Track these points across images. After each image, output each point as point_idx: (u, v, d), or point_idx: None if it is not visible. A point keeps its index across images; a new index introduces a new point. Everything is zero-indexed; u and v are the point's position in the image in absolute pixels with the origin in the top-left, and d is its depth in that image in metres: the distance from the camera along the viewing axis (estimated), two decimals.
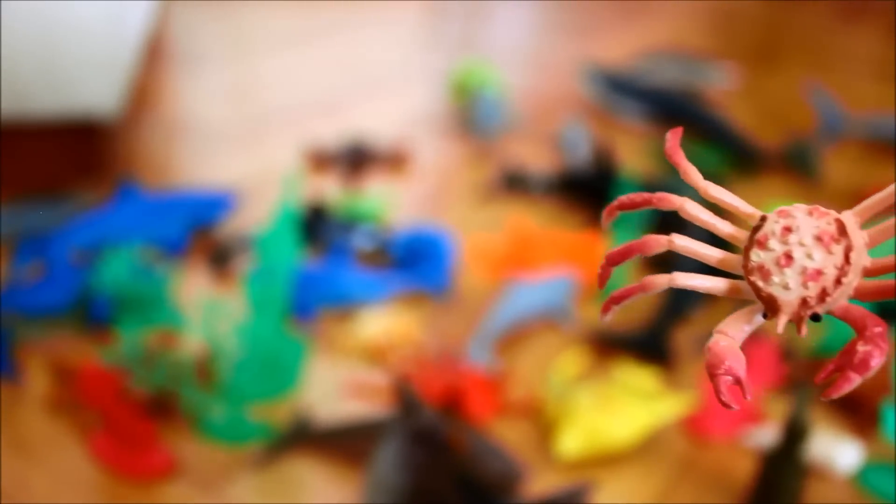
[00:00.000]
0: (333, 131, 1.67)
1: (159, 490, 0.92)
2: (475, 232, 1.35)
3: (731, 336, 0.34)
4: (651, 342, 1.13)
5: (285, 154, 1.59)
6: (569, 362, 1.07)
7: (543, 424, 1.01)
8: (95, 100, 1.38)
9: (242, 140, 1.66)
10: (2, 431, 0.98)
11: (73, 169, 1.43)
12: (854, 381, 0.31)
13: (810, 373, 1.09)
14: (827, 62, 2.22)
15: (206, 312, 1.04)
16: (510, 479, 0.91)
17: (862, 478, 0.95)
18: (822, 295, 0.33)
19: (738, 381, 0.33)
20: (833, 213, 0.35)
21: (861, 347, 0.31)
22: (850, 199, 1.49)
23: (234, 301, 1.11)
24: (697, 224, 0.37)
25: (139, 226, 1.28)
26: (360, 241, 1.30)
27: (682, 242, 0.36)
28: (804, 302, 0.33)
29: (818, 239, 0.34)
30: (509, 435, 0.99)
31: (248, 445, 0.97)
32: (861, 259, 0.34)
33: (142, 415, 0.98)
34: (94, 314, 1.12)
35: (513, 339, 1.15)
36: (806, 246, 0.34)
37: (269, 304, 1.02)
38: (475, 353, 1.09)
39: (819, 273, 0.33)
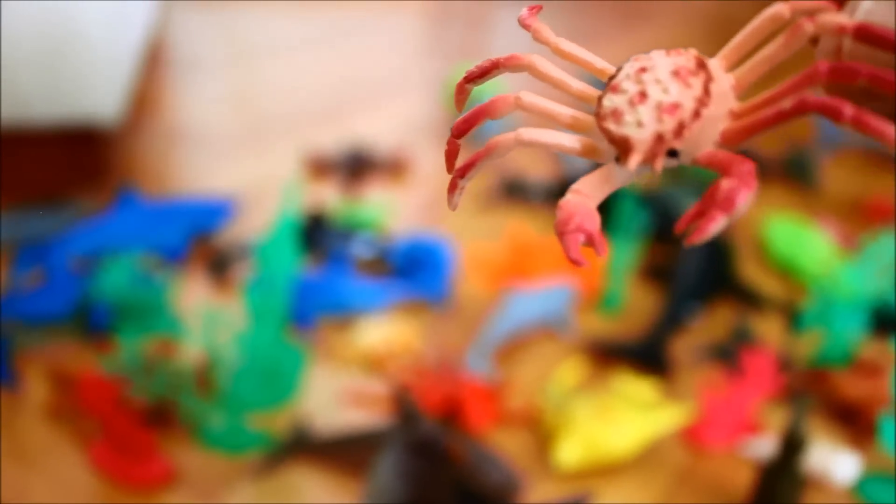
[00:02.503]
0: (333, 138, 1.67)
1: (158, 498, 0.92)
2: (474, 240, 1.35)
3: (585, 194, 0.31)
4: (649, 352, 1.13)
5: (285, 161, 1.59)
6: (567, 372, 1.07)
7: (542, 434, 1.01)
8: (95, 107, 1.38)
9: (242, 147, 1.66)
10: (1, 439, 0.98)
11: (73, 176, 1.43)
12: (719, 221, 0.27)
13: (808, 383, 1.10)
14: None
15: (206, 321, 1.04)
16: (509, 489, 0.92)
17: (860, 489, 0.96)
18: (679, 128, 0.30)
19: (589, 239, 0.29)
20: (692, 51, 0.32)
21: (726, 184, 0.27)
22: (849, 208, 1.50)
23: (233, 309, 1.12)
24: (548, 83, 0.34)
25: (139, 233, 1.29)
26: (360, 250, 1.30)
27: (529, 99, 0.33)
28: (659, 137, 0.30)
29: (675, 74, 0.31)
30: (508, 444, 1.00)
31: (247, 454, 0.97)
32: (727, 100, 0.31)
33: (141, 423, 0.98)
34: (93, 322, 1.13)
35: (512, 348, 1.15)
36: (662, 82, 0.31)
37: (268, 313, 1.02)
38: (474, 362, 1.10)
39: (675, 106, 0.30)
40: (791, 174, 1.63)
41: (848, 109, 0.28)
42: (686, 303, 1.22)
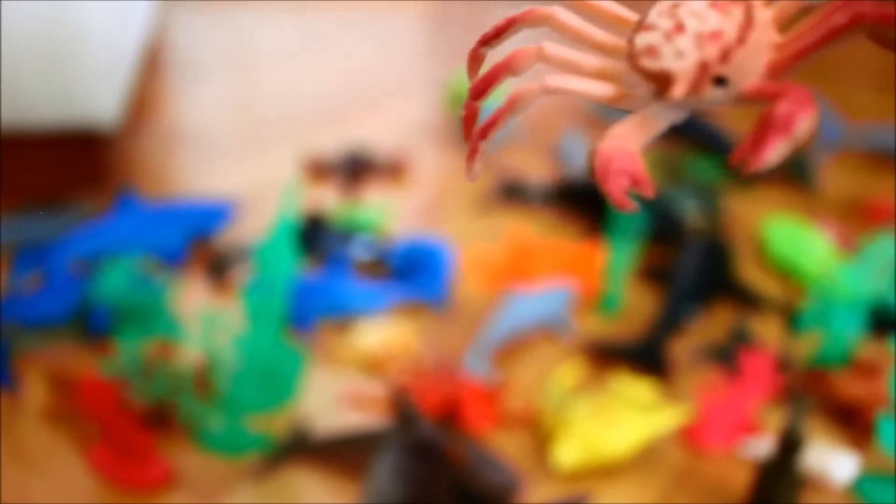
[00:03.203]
0: (332, 141, 1.68)
1: (158, 501, 0.92)
2: (473, 242, 1.35)
3: (622, 138, 0.28)
4: (648, 353, 1.13)
5: (284, 164, 1.60)
6: (566, 373, 1.07)
7: (541, 435, 1.01)
8: (95, 109, 1.39)
9: (241, 150, 1.67)
10: (1, 442, 0.98)
11: (72, 179, 1.44)
12: (778, 145, 0.24)
13: (807, 383, 1.10)
14: (825, 72, 2.23)
15: (205, 323, 1.04)
16: (507, 491, 0.92)
17: (858, 489, 0.96)
18: (724, 54, 0.27)
19: (634, 180, 0.27)
20: None
21: (782, 107, 0.25)
22: (848, 209, 1.50)
23: (232, 312, 1.12)
24: (571, 36, 0.31)
25: (138, 236, 1.29)
26: (359, 252, 1.30)
27: (552, 49, 0.30)
28: (703, 64, 0.27)
29: (712, 5, 0.29)
30: (507, 446, 1.00)
31: (246, 456, 0.97)
32: (769, 31, 0.29)
33: (140, 426, 0.98)
34: (92, 325, 1.13)
35: (510, 349, 1.15)
36: (698, 13, 0.28)
37: (267, 315, 1.03)
38: (473, 363, 1.10)
39: (717, 34, 0.28)
40: (790, 175, 1.63)
41: None
42: (685, 304, 1.22)
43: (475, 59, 0.33)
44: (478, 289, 1.26)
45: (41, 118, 1.37)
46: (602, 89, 0.30)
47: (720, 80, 0.28)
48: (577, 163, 1.59)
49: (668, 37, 0.28)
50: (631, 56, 0.29)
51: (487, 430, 1.01)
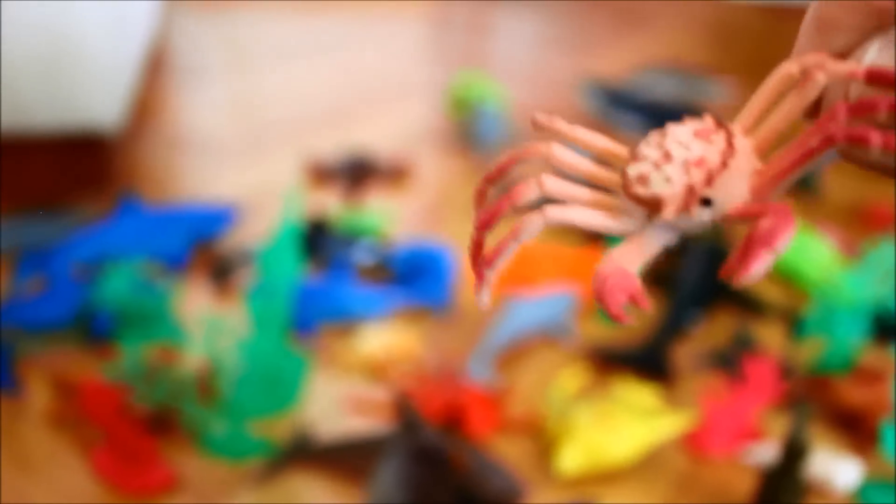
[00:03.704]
0: (334, 145, 1.68)
1: None
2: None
3: (618, 261, 0.31)
4: (650, 359, 1.13)
5: (286, 168, 1.60)
6: (569, 379, 1.07)
7: (543, 441, 1.01)
8: (97, 113, 1.39)
9: (243, 154, 1.67)
10: (3, 446, 0.98)
11: (74, 183, 1.44)
12: (762, 257, 0.27)
13: (810, 390, 1.10)
14: None
15: (208, 328, 1.04)
16: (510, 496, 0.92)
17: (861, 495, 0.96)
18: (709, 178, 0.30)
19: (630, 297, 0.29)
20: (709, 117, 0.32)
21: (765, 223, 0.27)
22: (850, 215, 1.50)
23: (235, 316, 1.12)
24: (566, 169, 0.34)
25: (141, 240, 1.29)
26: (361, 256, 1.30)
27: (551, 184, 0.33)
28: (689, 188, 0.30)
29: (696, 134, 0.31)
30: (509, 451, 1.00)
31: (248, 461, 0.97)
32: (750, 159, 0.31)
33: (143, 430, 0.98)
34: (95, 329, 1.13)
35: (513, 355, 1.15)
36: (684, 143, 0.31)
37: (269, 320, 1.03)
38: (475, 369, 1.10)
39: (701, 160, 0.30)
40: None
41: (875, 135, 0.28)
42: (687, 310, 1.22)
43: (481, 195, 0.36)
44: None
45: (43, 122, 1.37)
46: (599, 218, 0.32)
47: (706, 202, 0.30)
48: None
49: (657, 165, 0.31)
50: (625, 185, 0.31)
51: (490, 436, 1.01)
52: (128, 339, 1.08)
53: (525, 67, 2.31)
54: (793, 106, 0.32)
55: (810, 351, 1.15)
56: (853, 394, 1.06)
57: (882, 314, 1.20)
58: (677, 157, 0.31)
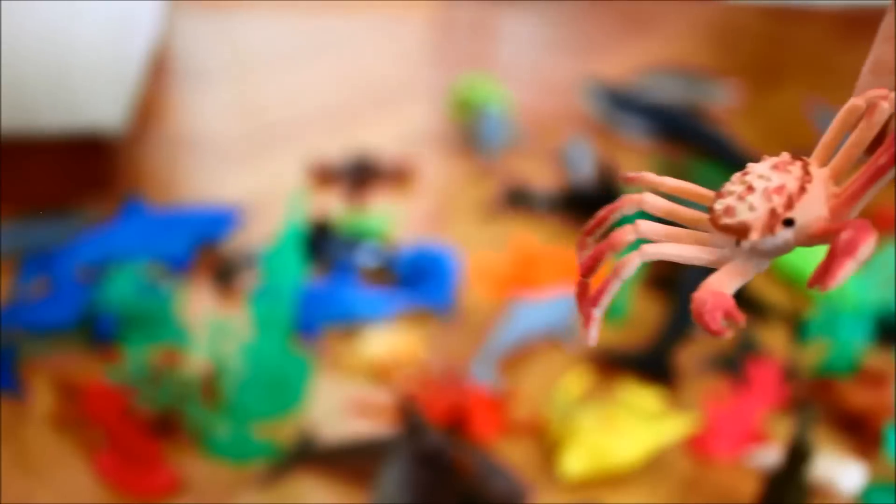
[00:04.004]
0: (337, 147, 1.68)
1: None
2: (479, 249, 1.35)
3: (714, 285, 0.33)
4: (654, 362, 1.13)
5: (290, 170, 1.60)
6: (573, 382, 1.07)
7: (547, 444, 1.01)
8: (101, 116, 1.39)
9: (247, 156, 1.67)
10: (7, 448, 0.98)
11: (78, 185, 1.44)
12: (847, 266, 0.29)
13: (814, 393, 1.10)
14: (829, 79, 2.23)
15: (212, 330, 1.05)
16: (514, 499, 0.92)
17: (865, 498, 0.96)
18: (789, 202, 0.33)
19: (727, 314, 0.32)
20: (785, 153, 0.35)
21: (845, 235, 0.30)
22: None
23: (239, 319, 1.12)
24: (660, 215, 0.37)
25: (144, 243, 1.29)
26: (365, 259, 1.30)
27: (647, 227, 0.36)
28: (772, 211, 0.33)
29: (774, 167, 0.34)
30: (513, 454, 1.00)
31: (252, 464, 0.97)
32: (826, 185, 0.34)
33: (147, 433, 0.98)
34: (99, 331, 1.13)
35: (517, 358, 1.15)
36: (764, 176, 0.34)
37: (273, 322, 1.03)
38: (479, 371, 1.10)
39: (781, 187, 0.33)
40: None
41: None
42: (691, 313, 1.22)
43: (582, 246, 0.38)
44: (484, 296, 1.26)
45: (47, 124, 1.38)
46: (693, 251, 0.35)
47: (788, 222, 0.32)
48: (582, 169, 1.59)
49: (741, 197, 0.34)
50: (713, 219, 0.34)
51: (494, 439, 1.01)
52: (131, 342, 1.08)
53: (528, 70, 2.31)
54: (861, 133, 0.34)
55: (814, 354, 1.15)
56: (857, 397, 1.06)
57: (886, 317, 1.20)
58: (759, 188, 0.34)
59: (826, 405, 1.08)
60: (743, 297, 1.27)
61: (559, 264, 1.31)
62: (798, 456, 0.88)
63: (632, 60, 2.29)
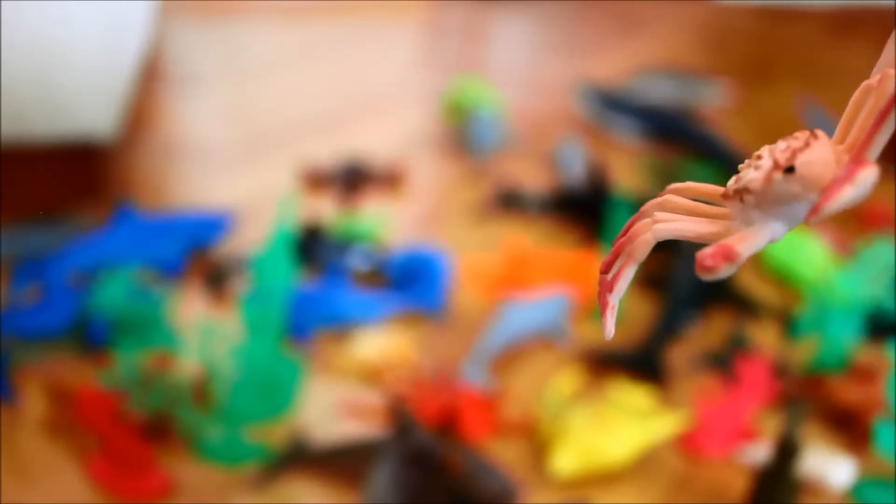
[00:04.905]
0: (329, 151, 1.68)
1: None
2: (471, 251, 1.36)
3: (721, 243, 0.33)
4: (645, 360, 1.14)
5: (281, 174, 1.60)
6: (564, 381, 1.07)
7: (538, 443, 1.01)
8: (92, 122, 1.39)
9: (239, 161, 1.67)
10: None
11: (69, 191, 1.44)
12: (843, 190, 0.29)
13: (804, 389, 1.10)
14: (820, 78, 2.24)
15: (203, 334, 1.05)
16: (505, 499, 0.92)
17: (856, 493, 0.96)
18: (792, 154, 0.32)
19: (725, 255, 0.31)
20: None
21: (847, 166, 0.30)
22: (844, 214, 1.50)
23: (230, 322, 1.12)
24: (680, 213, 0.36)
25: (136, 248, 1.29)
26: (356, 262, 1.31)
27: (664, 225, 0.35)
28: (774, 162, 0.32)
29: (784, 140, 0.34)
30: (504, 454, 1.00)
31: (244, 466, 0.97)
32: (835, 149, 0.33)
33: (139, 437, 0.98)
34: (91, 336, 1.13)
35: (508, 358, 1.15)
36: (773, 148, 0.34)
37: (265, 326, 1.03)
38: (470, 372, 1.10)
39: (788, 147, 0.33)
40: None
41: None
42: (682, 311, 1.22)
43: (609, 264, 0.37)
44: (475, 297, 1.26)
45: (38, 131, 1.38)
46: (706, 226, 0.34)
47: (789, 169, 0.32)
48: (573, 171, 1.60)
49: (749, 166, 0.34)
50: (724, 194, 0.34)
51: (485, 439, 1.02)
52: (123, 347, 1.08)
53: (521, 72, 2.32)
54: (872, 105, 0.33)
55: (804, 350, 1.16)
56: (847, 393, 1.06)
57: (876, 313, 1.20)
58: (766, 154, 0.33)
59: (817, 401, 1.08)
60: (733, 295, 1.28)
61: (551, 265, 1.32)
62: (788, 452, 0.88)
63: (623, 61, 2.29)
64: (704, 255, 0.31)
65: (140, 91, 1.85)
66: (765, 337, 1.20)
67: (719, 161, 1.64)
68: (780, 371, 1.12)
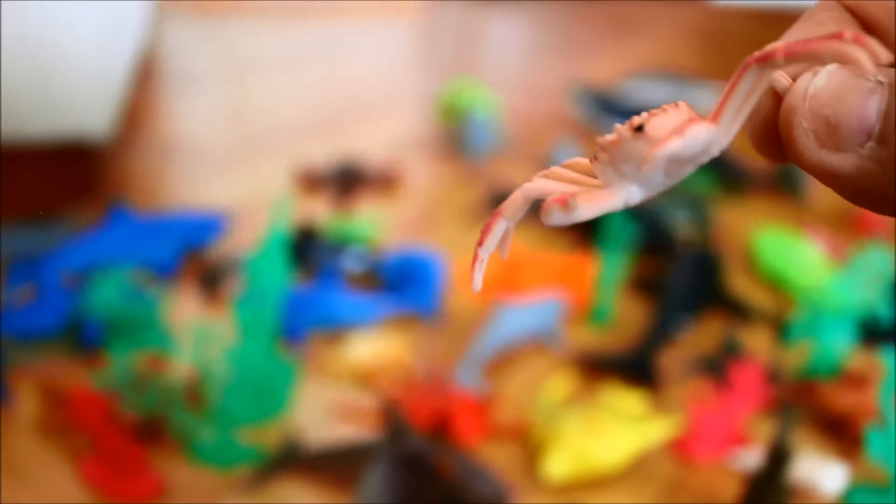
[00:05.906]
0: (324, 153, 1.68)
1: None
2: (465, 254, 1.36)
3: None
4: (638, 364, 1.14)
5: (276, 176, 1.60)
6: (557, 385, 1.07)
7: (531, 447, 1.02)
8: (87, 122, 1.39)
9: (233, 162, 1.67)
10: None
11: (64, 191, 1.44)
12: (671, 140, 0.30)
13: (796, 395, 1.10)
14: None
15: (197, 336, 1.05)
16: (497, 502, 0.92)
17: (847, 499, 0.96)
18: (648, 117, 0.32)
19: (562, 200, 0.31)
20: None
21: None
22: (837, 220, 1.51)
23: (224, 324, 1.12)
24: (559, 179, 0.35)
25: (130, 249, 1.29)
26: (350, 264, 1.31)
27: (532, 185, 0.35)
28: (629, 123, 0.32)
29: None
30: (497, 458, 1.00)
31: (237, 469, 0.97)
32: (693, 112, 0.34)
33: (132, 438, 0.98)
34: (84, 337, 1.13)
35: (501, 361, 1.15)
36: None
37: (258, 328, 1.03)
38: (464, 375, 1.10)
39: (650, 113, 0.33)
40: (780, 186, 1.64)
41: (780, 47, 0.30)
42: (675, 316, 1.22)
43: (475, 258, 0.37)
44: (469, 301, 1.27)
45: (33, 131, 1.38)
46: (573, 188, 0.34)
47: (639, 128, 0.32)
48: None
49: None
50: (591, 160, 0.34)
51: (477, 442, 1.02)
52: (117, 348, 1.08)
53: (515, 74, 2.32)
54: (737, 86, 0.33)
55: (797, 356, 1.16)
56: (839, 398, 1.07)
57: (869, 319, 1.20)
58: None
59: (808, 407, 1.09)
60: (726, 300, 1.28)
61: (545, 269, 1.32)
62: (779, 458, 0.88)
63: (618, 64, 2.29)
64: (548, 200, 0.31)
65: (135, 91, 1.85)
66: (757, 342, 1.21)
67: (712, 165, 1.65)
68: (772, 376, 1.12)
